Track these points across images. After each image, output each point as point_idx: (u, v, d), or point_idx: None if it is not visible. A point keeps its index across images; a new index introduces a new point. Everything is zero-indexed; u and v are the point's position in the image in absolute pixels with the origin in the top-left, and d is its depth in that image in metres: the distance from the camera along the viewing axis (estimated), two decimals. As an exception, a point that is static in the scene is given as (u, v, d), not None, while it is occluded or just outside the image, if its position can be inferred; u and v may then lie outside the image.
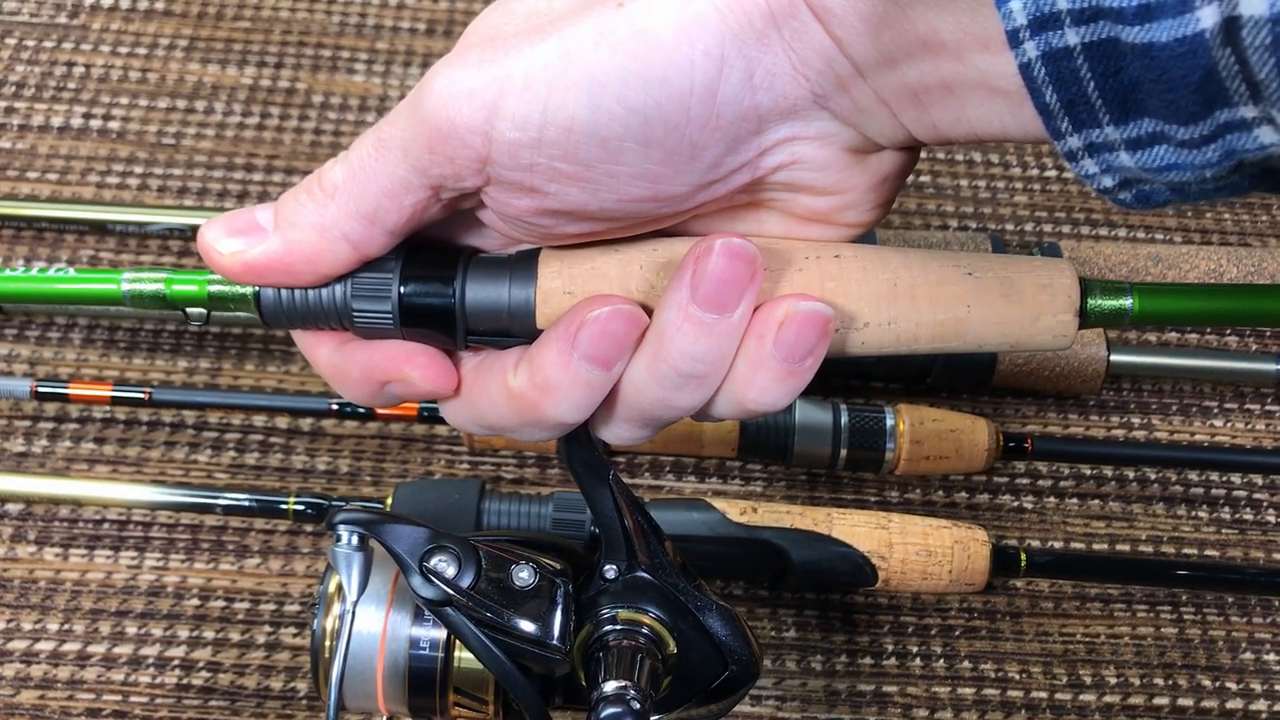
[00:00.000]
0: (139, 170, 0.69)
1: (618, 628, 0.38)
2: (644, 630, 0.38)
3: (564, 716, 0.41)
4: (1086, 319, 0.32)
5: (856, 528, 0.54)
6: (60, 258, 0.64)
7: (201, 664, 0.52)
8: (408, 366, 0.34)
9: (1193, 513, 0.60)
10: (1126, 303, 0.32)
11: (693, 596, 0.39)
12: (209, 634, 0.53)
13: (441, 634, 0.40)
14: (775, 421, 0.58)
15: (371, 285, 0.33)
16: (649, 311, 0.32)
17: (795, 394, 0.32)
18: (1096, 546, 0.59)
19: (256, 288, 0.34)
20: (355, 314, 0.33)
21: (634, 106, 0.29)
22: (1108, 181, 0.27)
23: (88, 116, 0.71)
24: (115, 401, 0.58)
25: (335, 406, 0.58)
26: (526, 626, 0.37)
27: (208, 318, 0.35)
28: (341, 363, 0.35)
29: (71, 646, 0.52)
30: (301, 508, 0.54)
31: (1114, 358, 0.62)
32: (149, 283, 0.34)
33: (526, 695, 0.38)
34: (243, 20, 0.76)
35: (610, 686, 0.36)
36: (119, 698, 0.51)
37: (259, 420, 0.60)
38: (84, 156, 0.69)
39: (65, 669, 0.52)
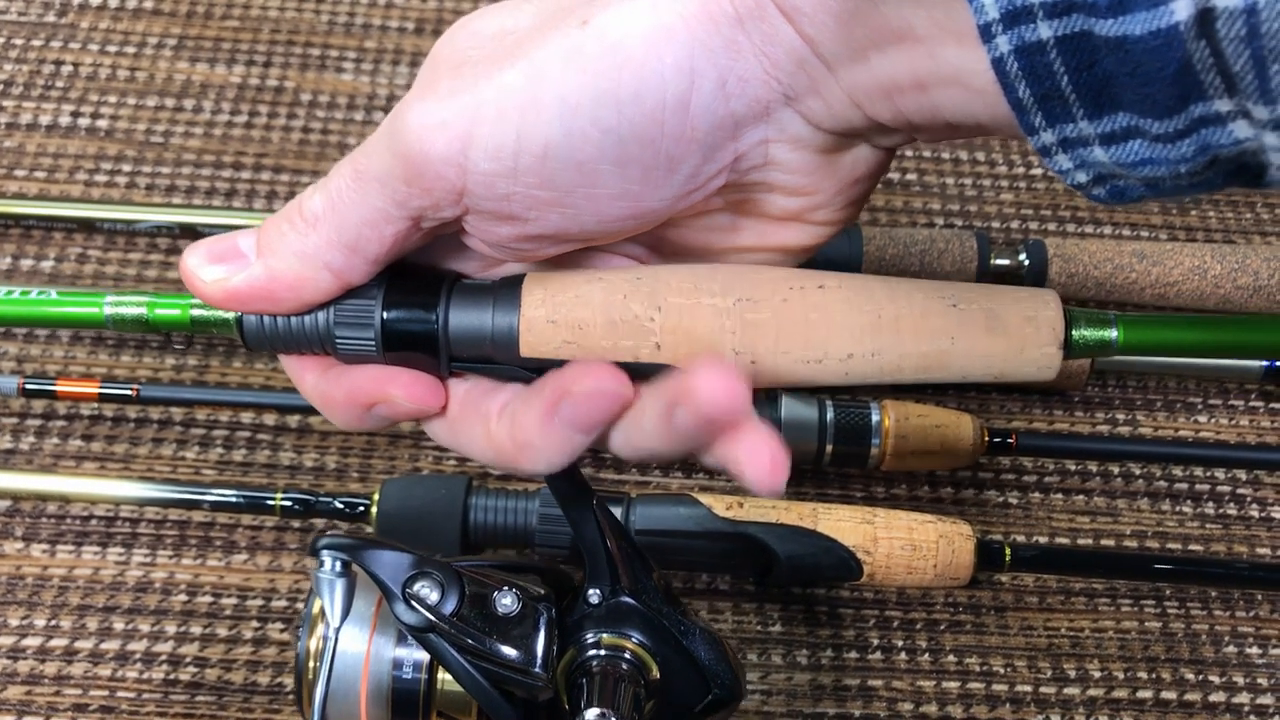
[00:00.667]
0: (128, 168, 0.69)
1: (601, 653, 0.38)
2: (627, 655, 0.39)
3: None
4: (1071, 350, 0.32)
5: (842, 522, 0.54)
6: (48, 255, 0.64)
7: (188, 659, 0.52)
8: (391, 387, 0.34)
9: (1177, 508, 0.61)
10: (1111, 334, 0.32)
11: (676, 621, 0.39)
12: (196, 629, 0.53)
13: (425, 656, 0.40)
14: (761, 417, 0.58)
15: (354, 312, 0.33)
16: (631, 364, 0.32)
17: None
18: (1081, 541, 0.59)
19: (239, 314, 0.34)
20: (338, 340, 0.33)
21: (608, 127, 0.29)
22: (1082, 177, 0.27)
23: (76, 115, 0.71)
24: (103, 398, 0.58)
25: (323, 403, 0.58)
26: (509, 653, 0.37)
27: (190, 340, 0.35)
28: (327, 388, 0.35)
29: (58, 642, 0.53)
30: (289, 504, 0.54)
31: (1098, 354, 0.62)
32: (131, 307, 0.35)
33: None
34: (231, 19, 0.76)
35: (592, 715, 0.36)
36: (106, 693, 0.51)
37: (246, 417, 0.60)
38: (72, 154, 0.69)
39: (52, 664, 0.52)
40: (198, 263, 0.33)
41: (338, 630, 0.37)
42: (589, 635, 0.39)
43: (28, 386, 0.57)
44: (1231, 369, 0.64)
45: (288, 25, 0.76)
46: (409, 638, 0.39)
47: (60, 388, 0.57)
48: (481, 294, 0.33)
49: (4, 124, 0.70)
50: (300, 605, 0.54)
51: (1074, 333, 0.32)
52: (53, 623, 0.53)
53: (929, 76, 0.28)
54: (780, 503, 0.54)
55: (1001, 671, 0.55)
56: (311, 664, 0.40)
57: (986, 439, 0.59)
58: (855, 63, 0.28)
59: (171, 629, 0.53)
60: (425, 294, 0.33)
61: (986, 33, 0.25)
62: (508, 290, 0.33)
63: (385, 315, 0.33)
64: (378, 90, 0.74)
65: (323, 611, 0.39)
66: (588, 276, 0.33)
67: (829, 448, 0.58)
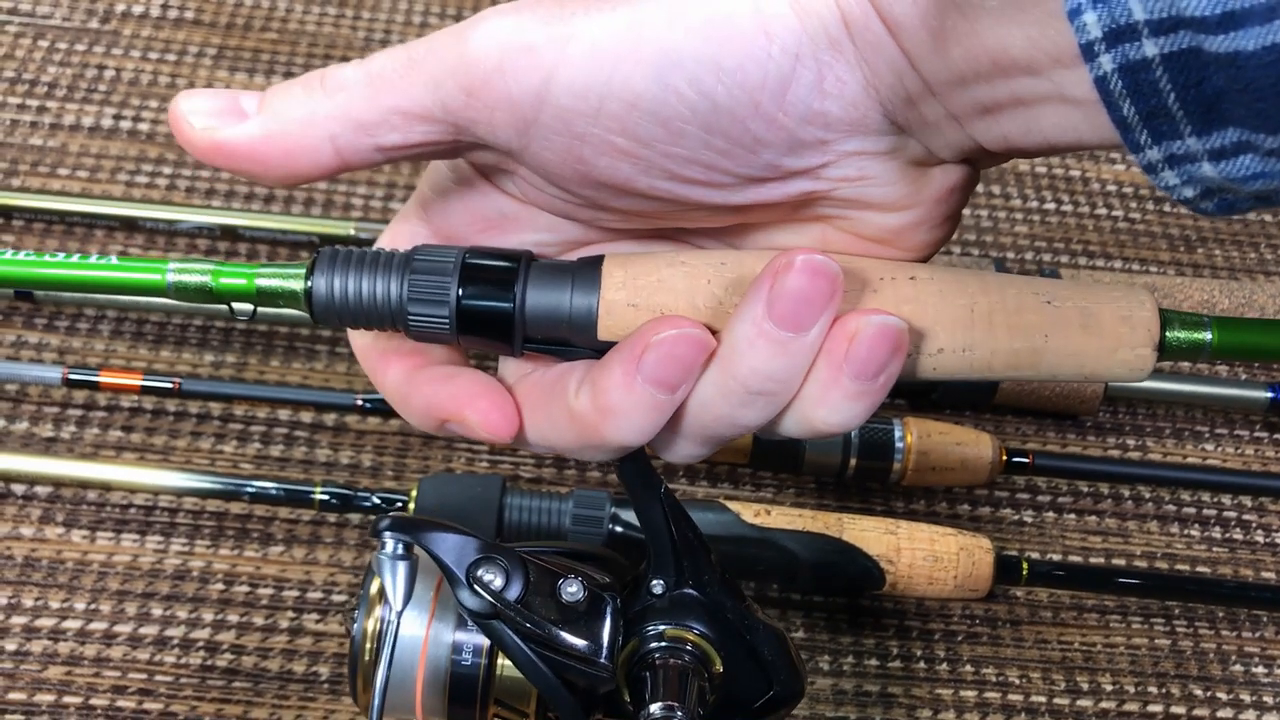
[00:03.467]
0: (168, 171, 0.70)
1: (664, 645, 0.37)
2: (689, 648, 0.38)
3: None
4: (1165, 352, 0.31)
5: (866, 532, 0.55)
6: (89, 253, 0.65)
7: (225, 646, 0.53)
8: (469, 410, 0.33)
9: (1185, 531, 0.62)
10: (1206, 336, 0.31)
11: (740, 615, 0.38)
12: (233, 618, 0.54)
13: (485, 641, 0.39)
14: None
15: (429, 288, 0.32)
16: (715, 330, 0.31)
17: (867, 414, 0.31)
18: (1093, 560, 0.61)
19: (308, 283, 0.32)
20: (410, 317, 0.32)
21: (705, 91, 0.28)
22: (1189, 192, 0.26)
23: (118, 118, 0.72)
24: (145, 391, 0.59)
25: (359, 402, 0.59)
26: (574, 642, 0.36)
27: (254, 313, 0.33)
28: (408, 391, 0.34)
29: (98, 625, 0.53)
30: (327, 497, 0.55)
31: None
32: (195, 274, 0.32)
33: (571, 711, 0.37)
34: (270, 31, 0.78)
35: (657, 709, 0.36)
36: (144, 676, 0.52)
37: (284, 414, 0.61)
38: (114, 156, 0.71)
39: (92, 647, 0.53)
40: (190, 107, 0.30)
41: (399, 614, 0.37)
42: (652, 627, 0.38)
43: (71, 377, 0.59)
44: (1238, 399, 0.66)
45: (325, 40, 0.78)
46: (469, 622, 0.39)
47: (103, 379, 0.59)
48: (560, 274, 0.32)
49: (48, 124, 0.71)
50: (336, 598, 0.55)
51: (1168, 334, 0.31)
52: (92, 606, 0.54)
53: (1028, 94, 0.27)
54: (806, 511, 0.56)
55: (1017, 682, 0.56)
56: (368, 645, 0.39)
57: (1004, 458, 0.61)
58: (953, 80, 0.28)
59: (209, 616, 0.54)
60: (502, 272, 0.32)
61: (1089, 52, 0.24)
62: (587, 271, 0.32)
63: (461, 292, 0.31)
64: (412, 105, 0.75)
65: (381, 593, 0.38)
66: (670, 260, 0.32)
67: (853, 461, 0.60)
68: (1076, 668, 0.57)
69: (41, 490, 0.57)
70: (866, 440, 0.60)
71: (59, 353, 0.62)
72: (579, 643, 0.36)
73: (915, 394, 0.65)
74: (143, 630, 0.53)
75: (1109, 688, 0.56)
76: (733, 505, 0.55)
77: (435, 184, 0.35)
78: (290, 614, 0.55)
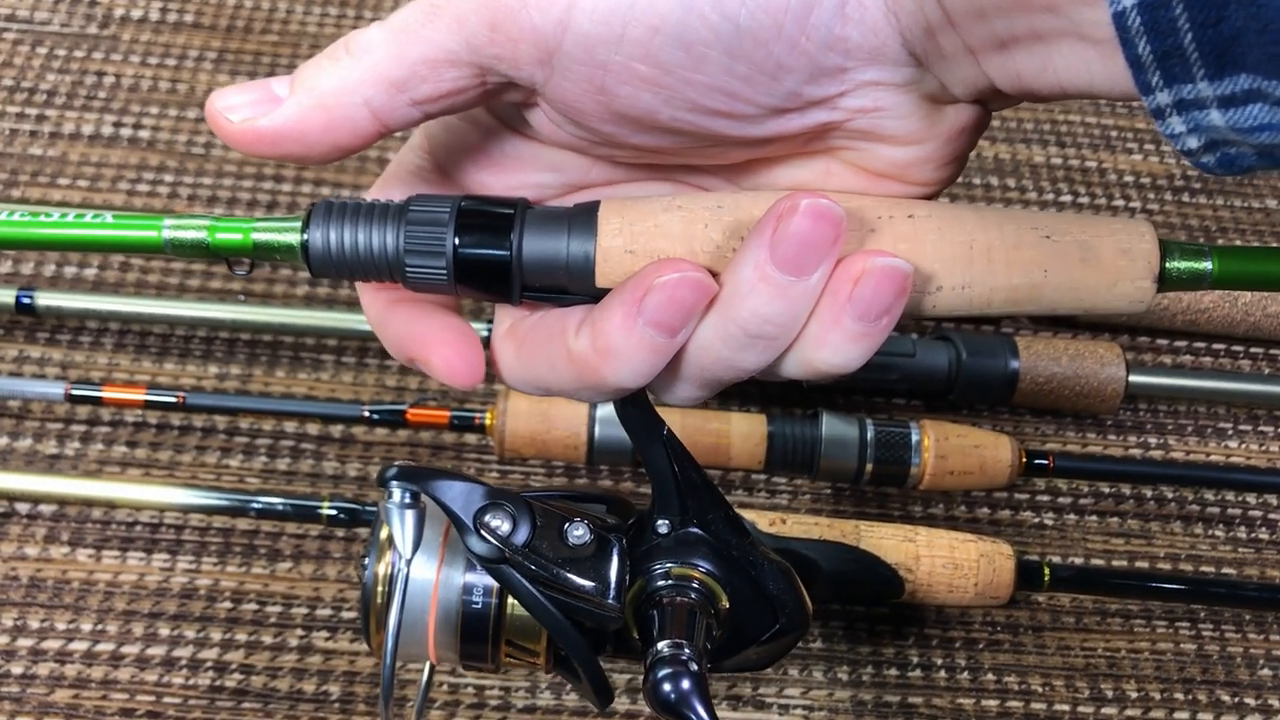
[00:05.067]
0: (169, 179, 0.69)
1: (670, 583, 0.38)
2: (695, 585, 0.38)
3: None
4: (1165, 283, 0.31)
5: (884, 540, 0.54)
6: (91, 263, 0.65)
7: (234, 666, 0.53)
8: (433, 353, 0.33)
9: (1209, 531, 0.61)
10: (1206, 265, 0.31)
11: (745, 551, 0.39)
12: (241, 637, 0.54)
13: (494, 582, 0.39)
14: (803, 435, 0.59)
15: (425, 239, 0.31)
16: (714, 273, 0.31)
17: (868, 355, 0.31)
18: (1115, 563, 0.60)
19: (304, 236, 0.31)
20: (408, 269, 0.31)
21: (728, 13, 0.28)
22: (1193, 142, 0.26)
23: (118, 125, 0.71)
24: (149, 405, 0.58)
25: (367, 414, 0.58)
26: (582, 583, 0.36)
27: (251, 267, 0.33)
28: (383, 320, 0.34)
29: (105, 647, 0.53)
30: (335, 513, 0.55)
31: (1133, 378, 0.63)
32: (191, 230, 0.32)
33: (580, 650, 0.38)
34: (271, 34, 0.77)
35: (665, 646, 0.36)
36: (152, 698, 0.51)
37: (290, 426, 0.60)
38: (114, 164, 0.70)
39: (99, 669, 0.52)
40: (225, 103, 0.30)
41: (409, 561, 0.37)
42: (658, 566, 0.38)
43: (74, 392, 0.58)
44: (1261, 395, 0.65)
45: (326, 41, 0.77)
46: (478, 565, 0.39)
47: (107, 394, 0.58)
48: (556, 221, 0.32)
49: (47, 133, 0.71)
50: (346, 614, 0.55)
51: (1168, 264, 0.31)
52: (99, 627, 0.53)
53: (1046, 30, 0.27)
54: (823, 519, 0.54)
55: (1040, 690, 0.55)
56: (379, 588, 0.40)
57: (1024, 460, 0.60)
58: (973, 11, 0.27)
59: (217, 636, 0.53)
60: (498, 220, 0.31)
61: None
62: (583, 218, 0.32)
63: (457, 242, 0.31)
64: (416, 106, 0.74)
65: (390, 539, 0.38)
66: (666, 204, 0.32)
67: (869, 466, 0.59)
68: (1100, 674, 0.56)
69: (46, 509, 0.56)
70: (883, 443, 0.59)
71: (61, 367, 0.61)
72: (586, 584, 0.37)
73: (932, 394, 0.64)
74: (150, 651, 0.53)
75: (1134, 695, 0.55)
76: (748, 514, 0.54)
77: (443, 121, 0.35)
78: (299, 632, 0.54)
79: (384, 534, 0.40)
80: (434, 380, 0.58)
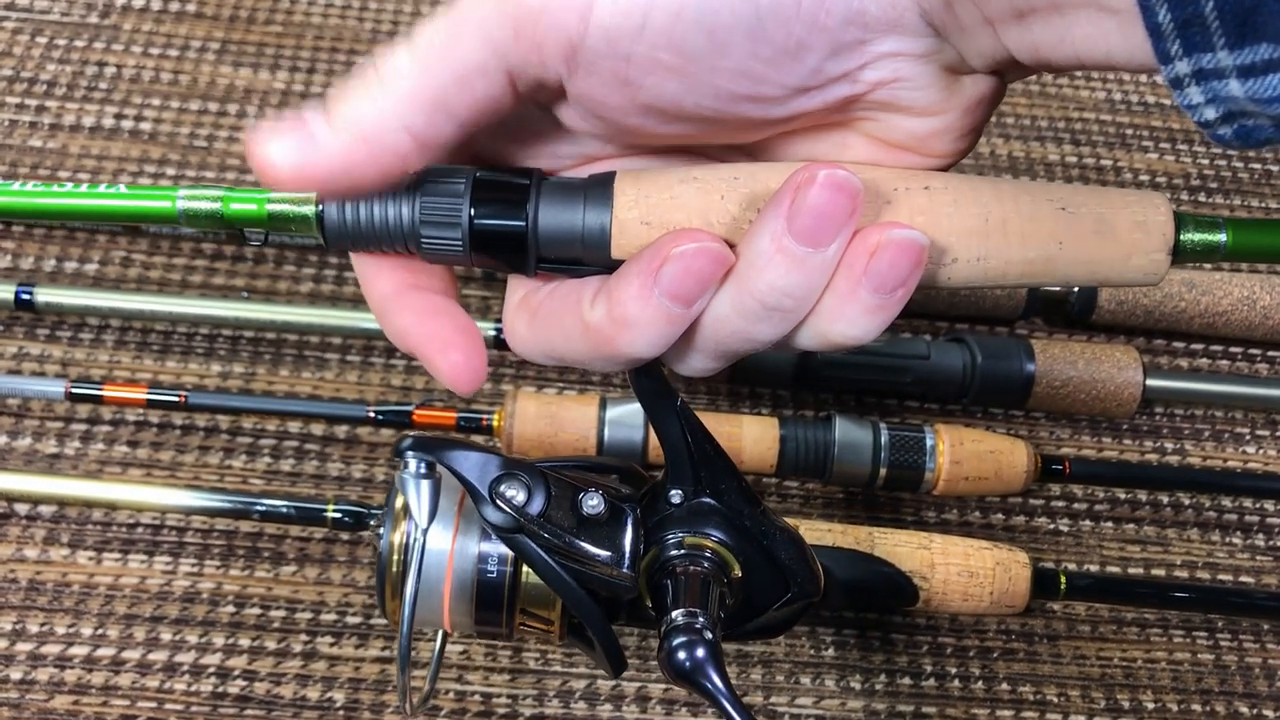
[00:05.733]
0: (170, 172, 0.68)
1: (683, 552, 0.38)
2: (708, 554, 0.38)
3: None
4: (1179, 254, 0.32)
5: (898, 547, 0.53)
6: (92, 259, 0.64)
7: (237, 672, 0.52)
8: (441, 358, 0.32)
9: (1227, 539, 0.60)
10: (1220, 238, 0.31)
11: (757, 520, 0.39)
12: (244, 642, 0.53)
13: (509, 551, 0.40)
14: (815, 438, 0.58)
15: (441, 210, 0.31)
16: (730, 244, 0.31)
17: (883, 327, 0.31)
18: (1131, 571, 0.59)
19: (319, 207, 0.32)
20: (424, 240, 0.32)
21: None
22: (1211, 113, 0.26)
23: (119, 117, 0.70)
24: (150, 404, 0.57)
25: (372, 414, 0.57)
26: (597, 553, 0.37)
27: (266, 238, 0.33)
28: (390, 309, 0.33)
29: (105, 652, 0.52)
30: (340, 515, 0.54)
31: (1150, 382, 0.62)
32: (206, 201, 0.32)
33: (595, 618, 0.38)
34: (274, 24, 0.76)
35: (679, 615, 0.36)
36: (154, 704, 0.50)
37: (294, 426, 0.59)
38: (115, 157, 0.68)
39: (99, 674, 0.51)
40: (269, 148, 0.30)
41: (425, 532, 0.37)
42: (671, 535, 0.38)
43: (74, 391, 0.57)
44: (1279, 400, 0.64)
45: (331, 32, 0.76)
46: (493, 535, 0.39)
47: (108, 393, 0.57)
48: (572, 193, 0.32)
49: (47, 125, 0.69)
50: (350, 619, 0.54)
51: (1183, 236, 0.31)
52: (99, 631, 0.52)
53: (1064, 0, 0.27)
54: (836, 525, 0.54)
55: (1055, 701, 0.54)
56: (395, 557, 0.40)
57: (1039, 465, 0.59)
58: None
59: (219, 641, 0.52)
60: (514, 191, 0.31)
61: None
62: (599, 189, 0.31)
63: (473, 213, 0.31)
64: (422, 100, 0.73)
65: (405, 508, 0.38)
66: (682, 176, 0.31)
67: (883, 470, 0.58)
68: (1117, 684, 0.55)
69: (46, 510, 0.55)
70: (897, 447, 0.58)
71: (62, 365, 0.60)
72: (601, 553, 0.37)
73: (946, 397, 0.63)
74: (151, 656, 0.52)
75: (1150, 705, 0.54)
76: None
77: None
78: (304, 637, 0.53)
79: (399, 504, 0.40)
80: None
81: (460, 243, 0.31)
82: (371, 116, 0.29)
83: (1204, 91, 0.26)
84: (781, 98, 0.30)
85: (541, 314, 0.33)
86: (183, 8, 0.76)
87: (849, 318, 0.31)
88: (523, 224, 0.31)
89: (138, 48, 0.74)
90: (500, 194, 0.31)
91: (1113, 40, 0.26)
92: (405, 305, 0.33)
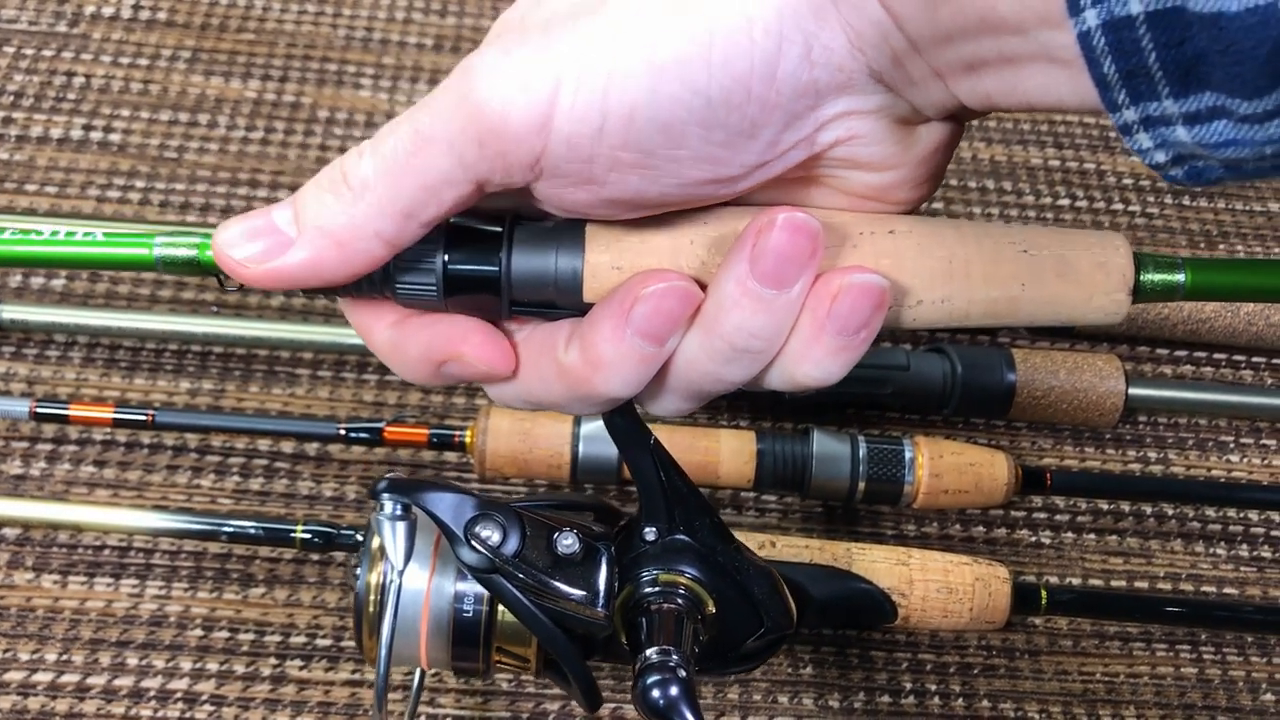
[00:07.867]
0: (140, 184, 0.67)
1: (657, 589, 0.38)
2: (682, 592, 0.39)
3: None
4: (1139, 295, 0.32)
5: (876, 563, 0.52)
6: (58, 273, 0.63)
7: (205, 697, 0.51)
8: (464, 346, 0.33)
9: (1210, 549, 0.60)
10: (1179, 278, 0.32)
11: (731, 557, 0.39)
12: (213, 666, 0.52)
13: (485, 590, 0.40)
14: (793, 452, 0.57)
15: (415, 257, 0.32)
16: (701, 285, 0.31)
17: (849, 367, 0.32)
18: (1114, 583, 0.58)
19: None
20: (399, 285, 0.32)
21: (698, 88, 0.28)
22: (1160, 156, 0.27)
23: (88, 128, 0.69)
24: (117, 424, 0.56)
25: (342, 431, 0.56)
26: (571, 592, 0.37)
27: (243, 285, 0.34)
28: (400, 340, 0.34)
29: (70, 678, 0.51)
30: (309, 536, 0.53)
31: (1132, 391, 0.61)
32: (183, 248, 0.32)
33: (570, 657, 0.39)
34: (246, 32, 0.75)
35: (653, 653, 0.36)
36: (120, 732, 0.50)
37: (264, 444, 0.58)
38: (84, 169, 0.67)
39: (64, 701, 0.50)
40: (232, 243, 0.31)
41: (401, 573, 0.38)
42: (645, 573, 0.39)
43: (39, 410, 0.56)
44: (1264, 407, 0.63)
45: (304, 39, 0.75)
46: (469, 575, 0.39)
47: (73, 412, 0.56)
48: (544, 238, 0.32)
49: (14, 137, 0.68)
50: (320, 642, 0.53)
51: (1143, 277, 0.32)
52: (64, 657, 0.51)
53: (1014, 53, 0.27)
54: (814, 542, 0.53)
55: (1036, 717, 0.54)
56: (372, 597, 0.41)
57: (1020, 477, 0.58)
58: (939, 38, 0.28)
59: (187, 665, 0.52)
60: (487, 238, 0.32)
61: (1074, 6, 0.25)
62: (571, 234, 0.32)
63: (447, 259, 0.32)
64: (396, 107, 0.72)
65: (382, 549, 0.39)
66: (653, 220, 0.32)
67: (861, 484, 0.57)
68: (1099, 700, 0.54)
69: (9, 532, 0.55)
70: (875, 460, 0.57)
71: (27, 383, 0.59)
72: (575, 592, 0.37)
73: (927, 408, 0.62)
74: (117, 682, 0.51)
75: (1133, 721, 0.54)
76: (736, 536, 0.52)
77: None
78: (273, 660, 0.52)
79: (375, 544, 0.41)
80: (420, 393, 0.57)
81: (435, 288, 0.32)
82: (343, 224, 0.30)
83: (1152, 137, 0.26)
84: (742, 174, 0.31)
85: (519, 362, 0.34)
86: (153, 16, 0.75)
87: (814, 359, 0.31)
88: (496, 269, 0.32)
89: (107, 57, 0.73)
90: (474, 239, 0.32)
91: (1063, 90, 0.27)
92: (414, 328, 0.33)
